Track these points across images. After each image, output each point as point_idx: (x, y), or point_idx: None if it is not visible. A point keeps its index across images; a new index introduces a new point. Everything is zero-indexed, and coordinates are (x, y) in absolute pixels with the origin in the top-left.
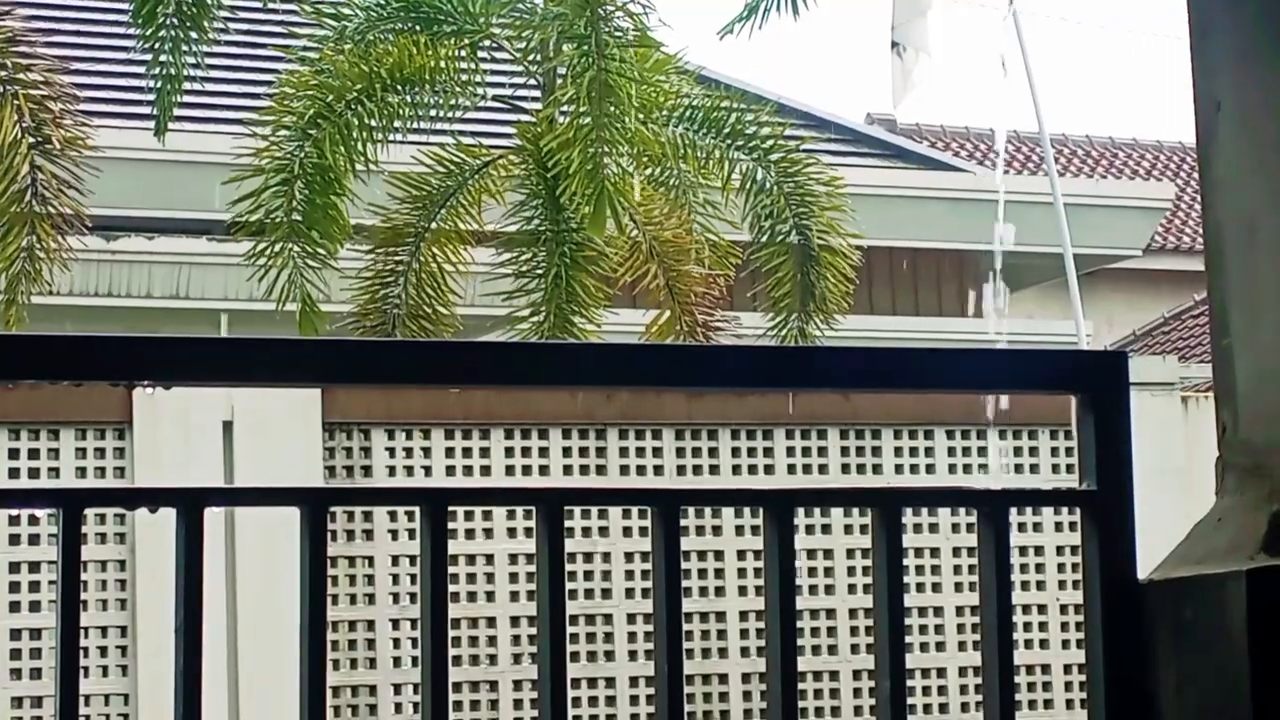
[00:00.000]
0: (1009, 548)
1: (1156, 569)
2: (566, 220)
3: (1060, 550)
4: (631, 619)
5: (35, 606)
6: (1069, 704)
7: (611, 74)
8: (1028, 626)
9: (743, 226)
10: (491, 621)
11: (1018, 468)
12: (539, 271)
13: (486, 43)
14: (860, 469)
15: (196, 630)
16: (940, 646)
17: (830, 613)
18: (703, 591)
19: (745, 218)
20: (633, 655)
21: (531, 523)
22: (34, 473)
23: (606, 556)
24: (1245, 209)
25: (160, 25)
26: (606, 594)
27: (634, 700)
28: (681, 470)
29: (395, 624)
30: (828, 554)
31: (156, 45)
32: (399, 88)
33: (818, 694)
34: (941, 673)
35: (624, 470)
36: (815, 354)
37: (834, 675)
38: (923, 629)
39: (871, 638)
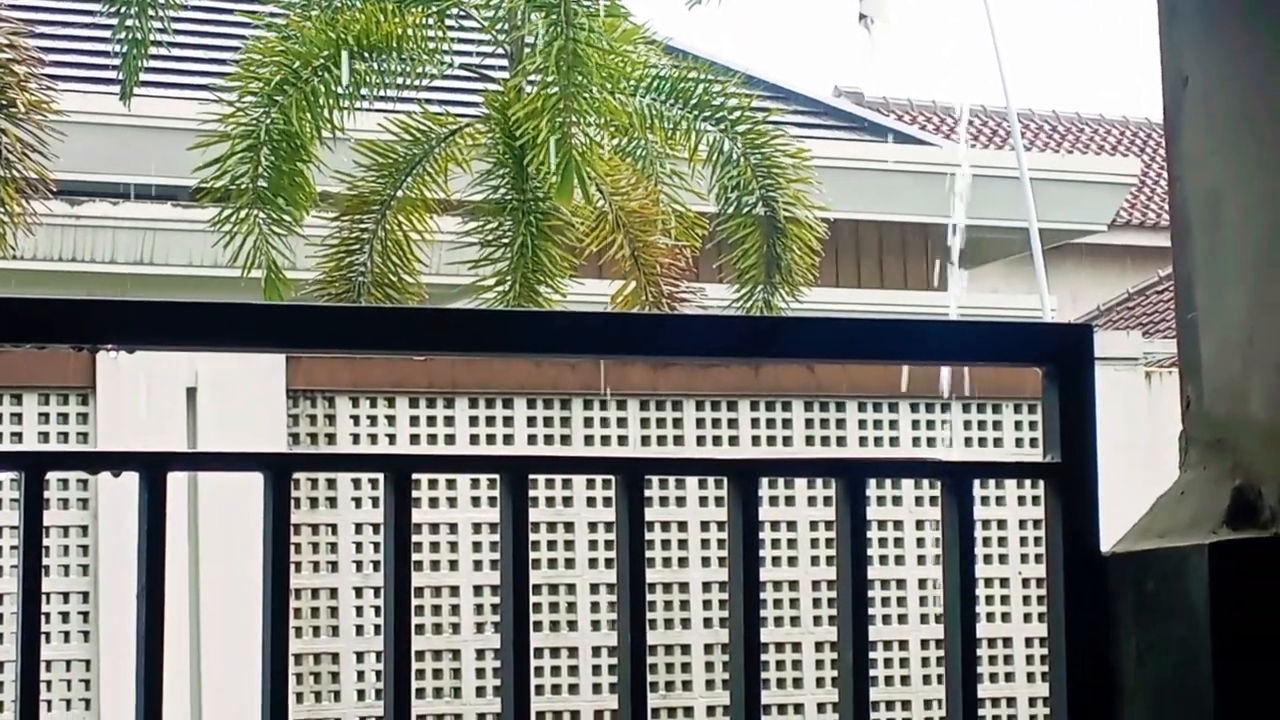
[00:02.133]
0: (972, 520)
1: (1119, 542)
2: (533, 189)
3: (1023, 524)
4: (595, 589)
5: None
6: (1030, 677)
7: (580, 43)
8: (990, 599)
9: (709, 198)
10: (454, 590)
11: (981, 441)
12: (505, 241)
13: (454, 10)
14: (824, 441)
15: (159, 595)
16: (903, 619)
17: (794, 584)
18: (666, 562)
19: (712, 189)
20: (595, 625)
21: (495, 492)
22: None
23: (570, 526)
24: (1211, 183)
25: None
26: (570, 564)
27: (596, 670)
28: (646, 441)
29: (358, 592)
30: (791, 525)
31: (122, 10)
32: (366, 54)
33: (780, 665)
34: (904, 644)
35: (588, 440)
36: (781, 324)
37: (796, 646)
38: (885, 601)
39: (834, 609)
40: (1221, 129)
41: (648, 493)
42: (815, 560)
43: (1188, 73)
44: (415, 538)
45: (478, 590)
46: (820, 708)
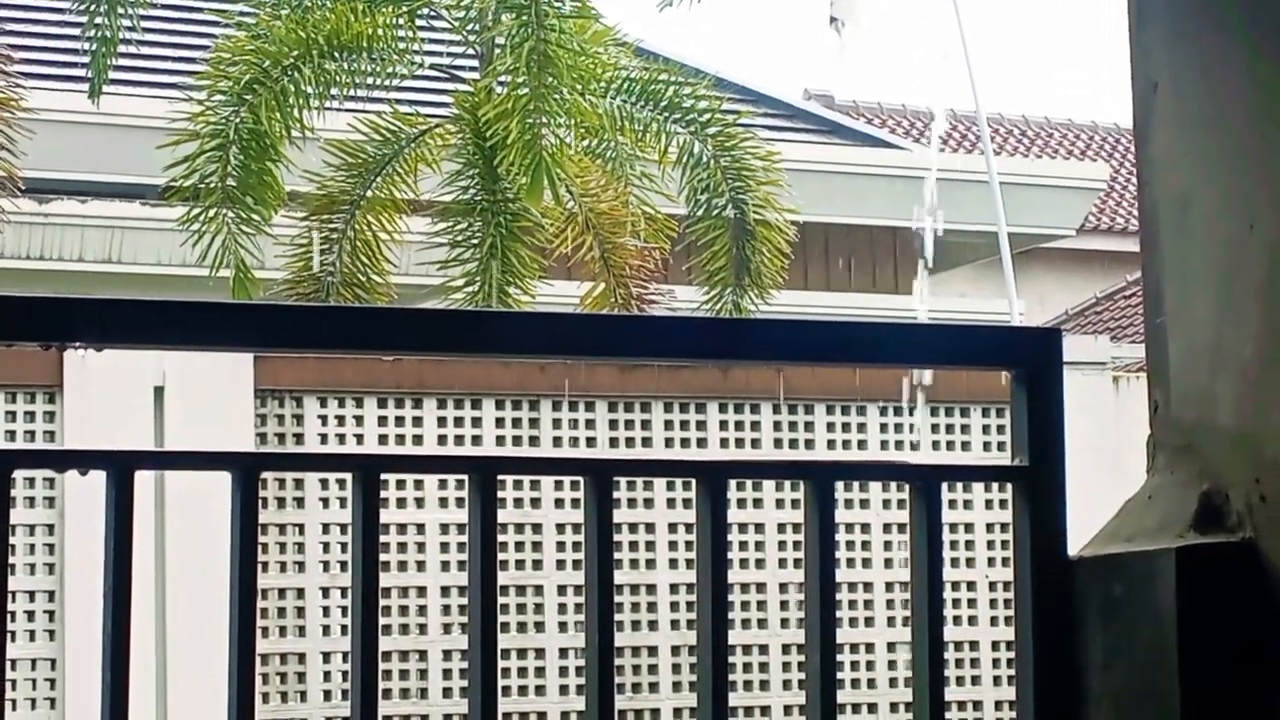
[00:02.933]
0: (941, 523)
1: (1087, 546)
2: (503, 190)
3: (990, 528)
4: (562, 590)
5: None
6: (996, 680)
7: (550, 45)
8: (957, 603)
9: (679, 200)
10: (422, 591)
11: (949, 445)
12: (474, 241)
13: (425, 10)
14: (793, 443)
15: (125, 595)
16: (870, 621)
17: (761, 586)
18: (634, 564)
19: (682, 191)
20: (563, 627)
21: (463, 493)
22: None
23: (538, 528)
24: (1180, 187)
25: None
26: (538, 565)
27: (563, 671)
28: (614, 443)
29: (325, 592)
30: (759, 528)
31: (91, 7)
32: (336, 54)
33: (747, 668)
34: (870, 648)
35: (556, 442)
36: (750, 326)
37: (764, 649)
38: (853, 604)
39: (802, 611)
40: (1191, 133)
41: (616, 494)
42: (783, 563)
43: (1157, 77)
44: (383, 538)
45: (445, 591)
46: (787, 710)
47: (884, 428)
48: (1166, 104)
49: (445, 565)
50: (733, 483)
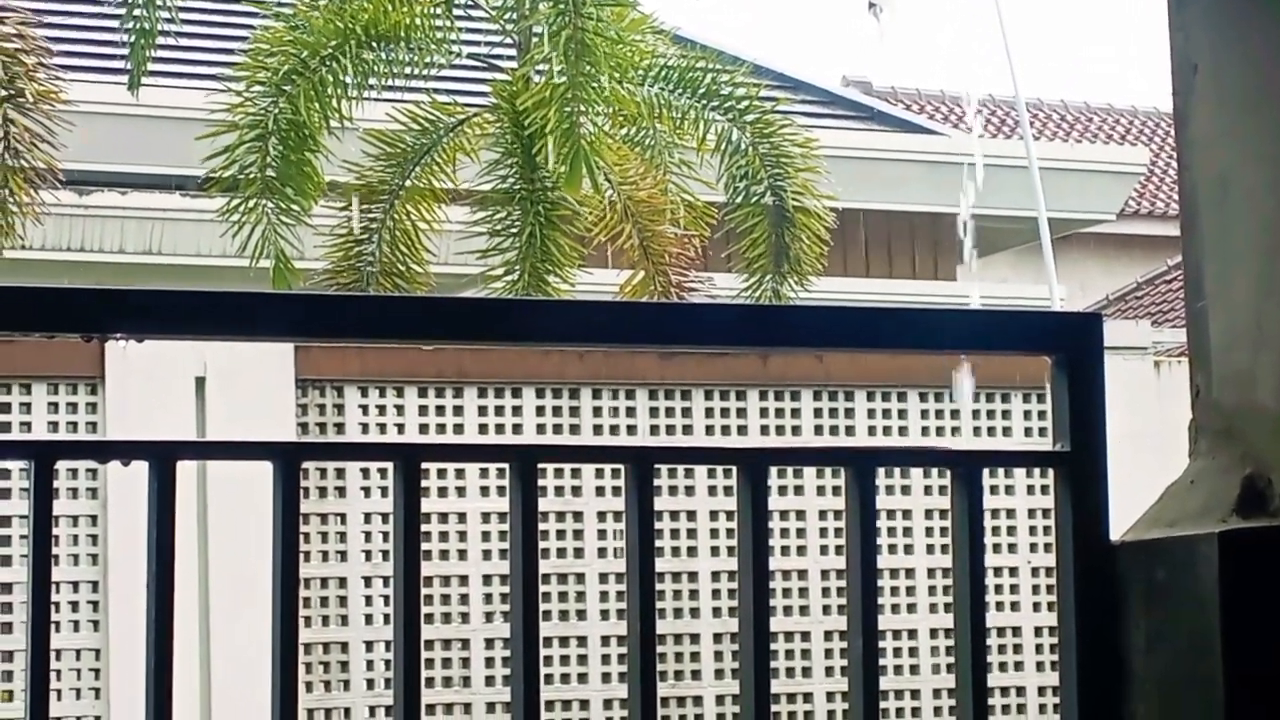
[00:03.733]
0: (982, 509)
1: (1129, 531)
2: (541, 179)
3: (1032, 513)
4: (604, 578)
5: (6, 561)
6: (1039, 666)
7: (588, 33)
8: (999, 589)
9: (718, 187)
10: (464, 579)
11: (990, 430)
12: (513, 230)
13: (462, 0)
14: (833, 430)
15: (168, 585)
16: (912, 608)
17: (802, 573)
18: (675, 551)
19: (720, 178)
20: (605, 615)
21: (504, 481)
22: (5, 427)
23: (579, 516)
24: (1220, 170)
25: None
26: (579, 553)
27: (605, 659)
28: (654, 430)
29: (367, 581)
30: (800, 515)
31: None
32: (374, 44)
33: (789, 654)
34: (913, 634)
35: (596, 430)
36: (790, 313)
37: (805, 636)
38: (894, 590)
39: (843, 598)
40: (1231, 115)
41: (657, 482)
42: (824, 549)
43: (1196, 59)
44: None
45: (487, 579)
46: (830, 696)
47: (924, 414)
48: (1206, 86)
49: (486, 554)
50: (773, 470)
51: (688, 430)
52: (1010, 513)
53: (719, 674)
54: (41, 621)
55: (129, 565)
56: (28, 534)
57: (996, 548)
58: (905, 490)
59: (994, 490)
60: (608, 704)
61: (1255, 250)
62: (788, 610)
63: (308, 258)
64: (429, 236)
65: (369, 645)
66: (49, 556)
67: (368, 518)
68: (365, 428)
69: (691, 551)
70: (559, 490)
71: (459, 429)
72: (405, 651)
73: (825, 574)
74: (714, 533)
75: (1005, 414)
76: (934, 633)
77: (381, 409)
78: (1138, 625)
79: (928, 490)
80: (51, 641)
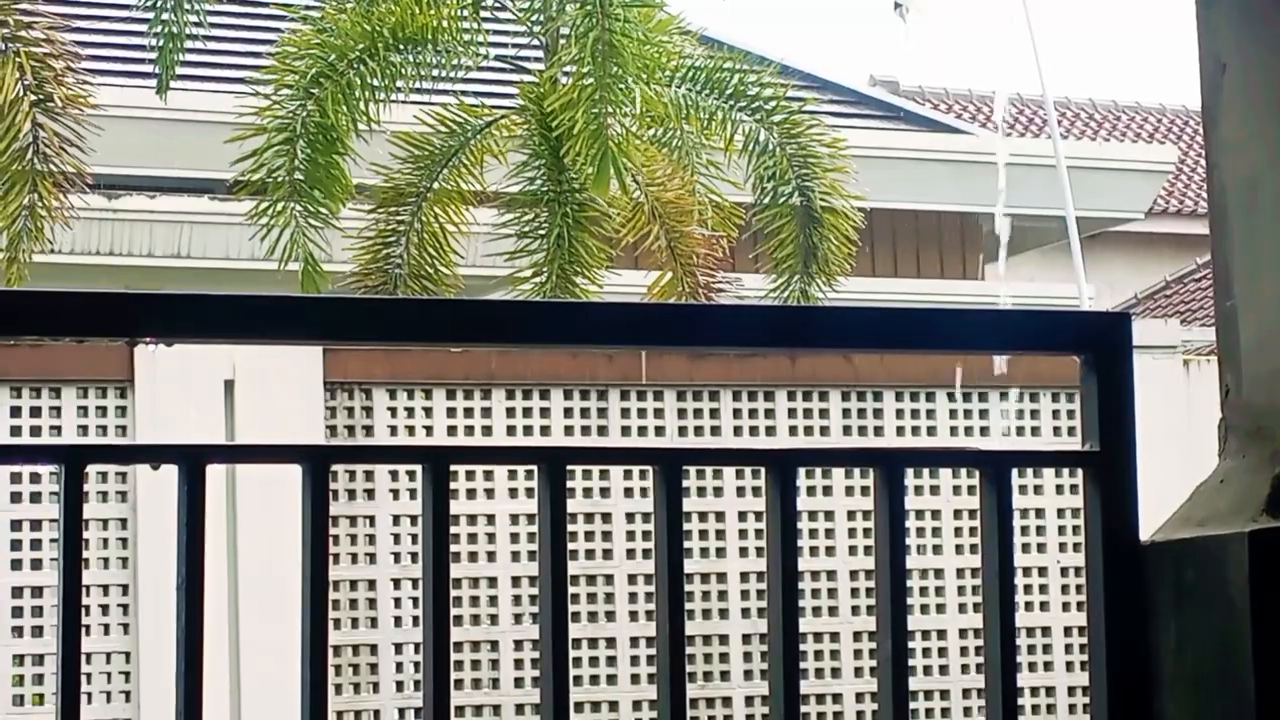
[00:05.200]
0: (1011, 509)
1: (1158, 530)
2: (569, 181)
3: (1061, 513)
4: (633, 579)
5: (37, 564)
6: (1069, 666)
7: (615, 34)
8: (1028, 589)
9: (745, 188)
10: (493, 581)
11: (1019, 430)
12: (541, 232)
13: (489, 2)
14: (862, 431)
15: (198, 588)
16: (940, 608)
17: (831, 574)
18: (704, 552)
19: (748, 179)
20: (634, 616)
21: (533, 483)
22: (36, 430)
23: (607, 517)
24: (1250, 170)
25: None
26: (608, 554)
27: (634, 661)
28: (683, 431)
29: (396, 583)
30: (828, 515)
31: (158, 3)
32: (401, 47)
33: (818, 655)
34: (942, 634)
35: (625, 431)
36: (818, 314)
37: (834, 636)
38: (923, 590)
39: (872, 599)
40: (1260, 115)
41: (685, 483)
42: (853, 550)
43: (1225, 59)
44: (453, 529)
45: (516, 581)
46: (859, 697)
47: (953, 414)
48: (1235, 86)
49: (515, 555)
50: (802, 470)
51: (716, 431)
52: (1039, 512)
53: (748, 675)
54: (72, 624)
55: (159, 568)
56: (58, 537)
57: (1025, 548)
58: (934, 490)
59: (1023, 490)
60: (637, 705)
61: None
62: (817, 611)
63: (336, 260)
64: (457, 239)
65: (398, 647)
66: (79, 560)
67: (396, 520)
68: (394, 430)
69: (720, 552)
70: (588, 492)
71: (487, 431)
72: (434, 653)
73: (854, 574)
74: (743, 533)
75: (1034, 413)
76: (963, 633)
77: (410, 411)
78: (1167, 625)
79: (956, 490)
80: (82, 645)
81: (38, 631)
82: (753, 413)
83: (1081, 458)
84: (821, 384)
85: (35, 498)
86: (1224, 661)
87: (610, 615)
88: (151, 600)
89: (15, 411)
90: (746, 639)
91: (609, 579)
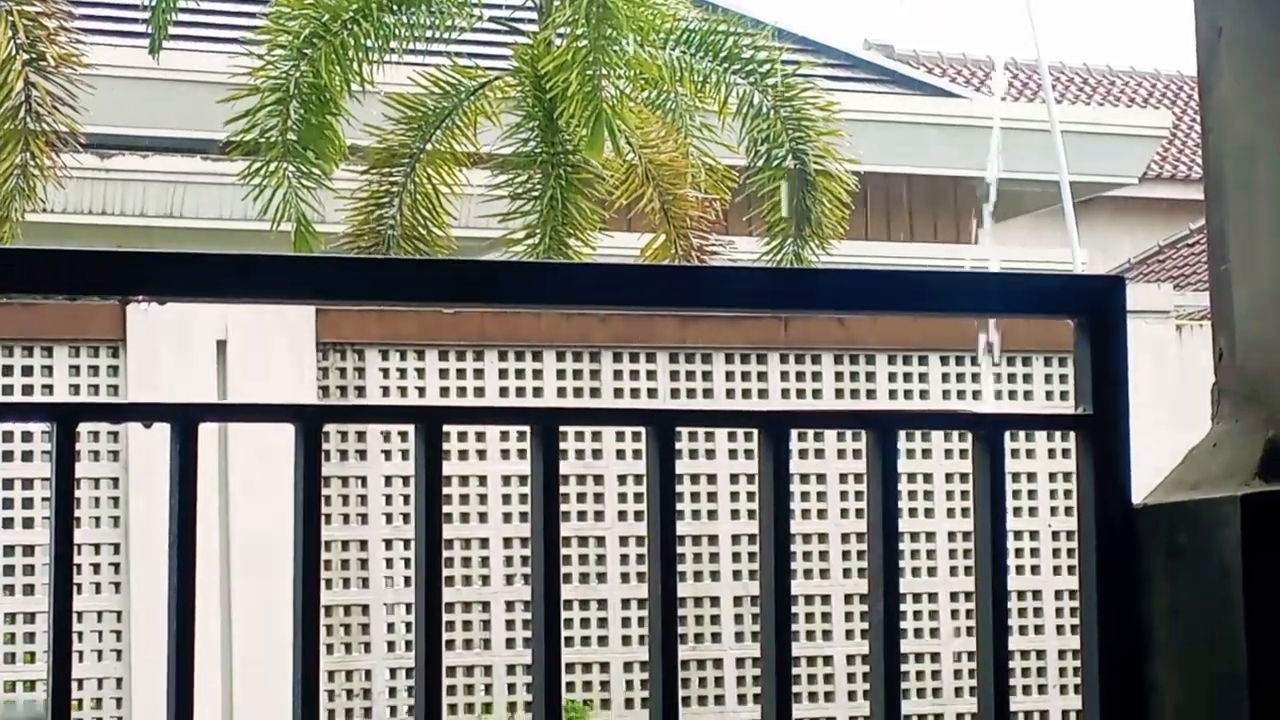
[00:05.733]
0: (1004, 472)
1: (1151, 494)
2: (563, 143)
3: (1053, 477)
4: (624, 541)
5: (29, 523)
6: (1059, 629)
7: None
8: (1019, 552)
9: (739, 150)
10: (484, 542)
11: (1011, 394)
12: (535, 194)
13: None
14: (854, 394)
15: (190, 547)
16: (932, 571)
17: (823, 536)
18: (696, 515)
19: (741, 142)
20: (625, 577)
21: (525, 444)
22: (28, 389)
23: (599, 479)
24: (1245, 135)
25: None
26: (600, 516)
27: (625, 622)
28: (675, 394)
29: (388, 544)
30: (821, 478)
31: None
32: (395, 7)
33: (809, 617)
34: (933, 597)
35: (617, 393)
36: (811, 276)
37: (826, 599)
38: (915, 554)
39: (864, 561)
40: (1256, 79)
41: (677, 445)
42: (845, 513)
43: (1221, 23)
44: (445, 490)
45: (507, 542)
46: (850, 659)
47: (945, 377)
48: (1230, 49)
49: (507, 516)
50: (794, 433)
51: (708, 394)
52: (1032, 476)
53: (739, 637)
54: (63, 583)
55: (150, 528)
56: (50, 496)
57: (1017, 511)
58: (926, 454)
59: (1015, 454)
60: (628, 666)
61: None
62: (808, 573)
63: (328, 221)
64: (450, 200)
65: (390, 608)
66: (71, 519)
67: (388, 480)
68: (386, 390)
69: (712, 514)
70: (580, 453)
71: (480, 392)
72: (426, 614)
73: (846, 537)
74: (734, 496)
75: (1027, 378)
76: (954, 596)
77: (402, 372)
78: (1159, 588)
79: (948, 454)
80: (73, 603)
81: (29, 590)
82: (745, 375)
83: (1074, 421)
84: (814, 347)
85: (27, 456)
86: (1216, 625)
87: (602, 576)
88: (143, 559)
89: (7, 370)
90: (738, 601)
91: (601, 540)
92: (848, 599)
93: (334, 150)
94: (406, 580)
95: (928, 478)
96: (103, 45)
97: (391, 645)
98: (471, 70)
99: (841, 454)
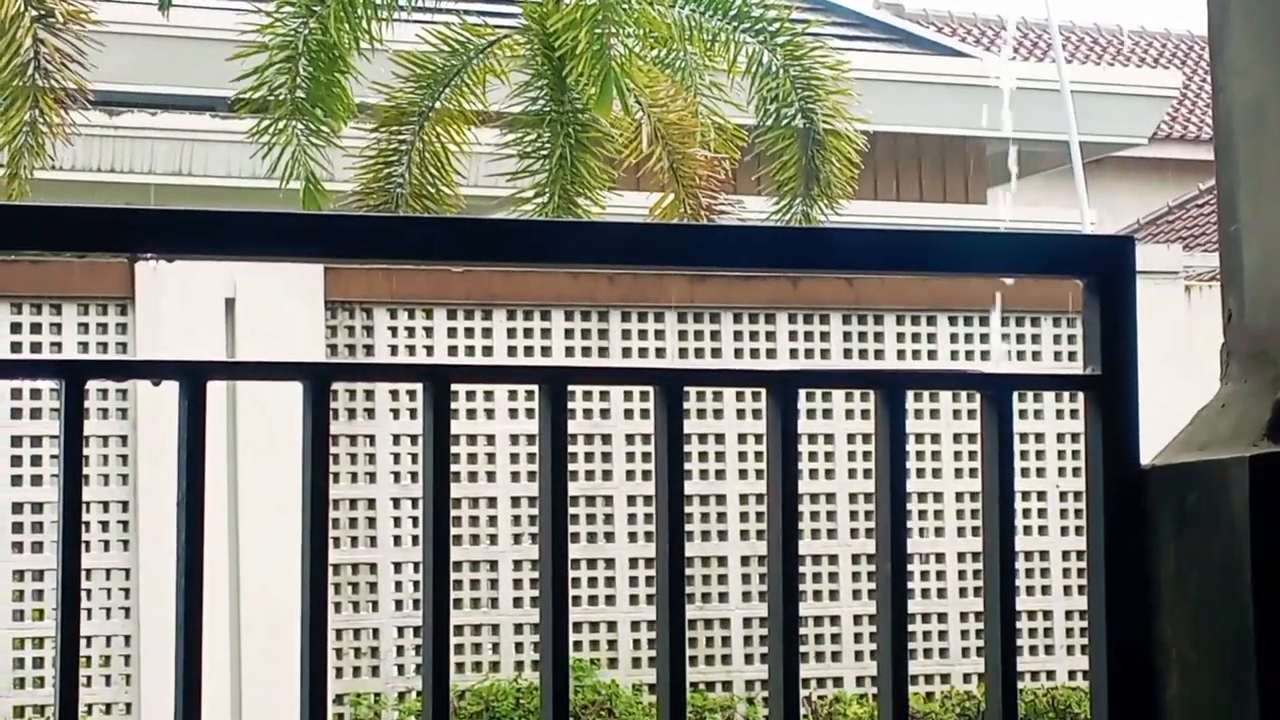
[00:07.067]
0: (1012, 432)
1: (1159, 454)
2: (571, 101)
3: (1060, 438)
4: (632, 500)
5: (37, 480)
6: (1066, 590)
7: None
8: (1027, 513)
9: (748, 109)
10: (492, 501)
11: (1020, 355)
12: (543, 153)
13: None
14: (862, 354)
15: (198, 505)
16: (940, 531)
17: (831, 496)
18: (704, 474)
19: (751, 101)
20: (633, 537)
21: (533, 404)
22: (36, 347)
23: (608, 438)
24: (1256, 94)
25: None
26: (608, 475)
27: (633, 581)
28: (683, 353)
29: (396, 503)
30: (829, 438)
31: None
32: None
33: (817, 577)
34: (940, 558)
35: (626, 353)
36: (820, 235)
37: (834, 559)
38: (923, 514)
39: (872, 522)
40: (1267, 38)
41: (686, 405)
42: (853, 473)
43: None
44: (453, 449)
45: (515, 501)
46: (857, 619)
47: (954, 337)
48: (1241, 8)
49: (515, 476)
50: (802, 393)
51: (717, 353)
52: (1040, 437)
53: (746, 596)
54: (72, 541)
55: (159, 485)
56: (58, 454)
57: (1025, 472)
58: (934, 414)
59: (1023, 415)
60: (635, 625)
61: None
62: (816, 534)
63: (337, 180)
64: (459, 159)
65: (398, 566)
66: (79, 476)
67: (396, 439)
68: (394, 349)
69: (720, 474)
70: (588, 413)
71: (488, 351)
72: (434, 573)
73: (854, 497)
74: (742, 455)
75: (1036, 338)
76: (962, 556)
77: (411, 331)
78: (1167, 549)
79: (956, 414)
80: (82, 560)
81: (38, 547)
82: (754, 335)
83: (1083, 381)
84: (822, 306)
85: (35, 414)
86: (1224, 585)
87: (610, 536)
88: (151, 517)
89: (16, 327)
90: (745, 561)
91: (609, 500)
92: (855, 559)
93: (342, 108)
94: (415, 539)
95: (935, 438)
96: (111, 2)
97: (399, 604)
98: (480, 28)
99: (850, 414)
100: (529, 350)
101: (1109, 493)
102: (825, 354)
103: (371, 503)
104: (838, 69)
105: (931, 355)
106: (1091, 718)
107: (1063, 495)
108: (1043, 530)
